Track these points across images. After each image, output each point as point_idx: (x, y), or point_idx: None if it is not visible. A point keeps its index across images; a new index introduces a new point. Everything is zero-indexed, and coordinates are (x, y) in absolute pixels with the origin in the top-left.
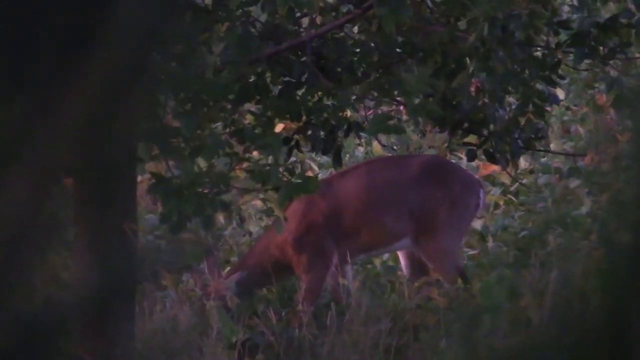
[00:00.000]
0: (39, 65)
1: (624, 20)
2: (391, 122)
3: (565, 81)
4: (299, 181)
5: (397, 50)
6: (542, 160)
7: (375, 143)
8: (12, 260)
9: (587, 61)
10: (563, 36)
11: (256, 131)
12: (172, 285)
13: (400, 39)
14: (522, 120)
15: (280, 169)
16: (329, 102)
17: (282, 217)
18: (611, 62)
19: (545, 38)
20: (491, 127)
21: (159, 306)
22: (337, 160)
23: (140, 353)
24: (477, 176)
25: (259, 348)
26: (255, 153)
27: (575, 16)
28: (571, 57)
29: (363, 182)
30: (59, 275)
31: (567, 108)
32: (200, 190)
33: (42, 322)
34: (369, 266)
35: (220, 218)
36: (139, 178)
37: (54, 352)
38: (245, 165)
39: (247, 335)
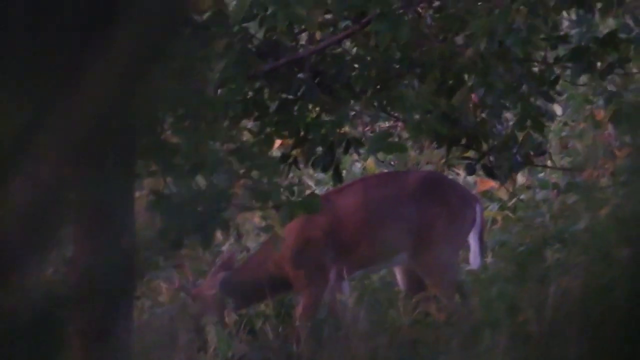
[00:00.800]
0: (38, 77)
1: (622, 36)
2: (391, 140)
3: (563, 97)
4: (301, 200)
5: (396, 65)
6: (540, 175)
7: (370, 159)
8: (12, 270)
9: (585, 76)
10: (562, 50)
11: (254, 150)
12: (169, 300)
13: (398, 55)
14: (521, 136)
15: (281, 189)
16: (326, 118)
17: (282, 235)
18: (609, 77)
19: (543, 53)
20: (489, 142)
21: (157, 321)
22: (338, 177)
23: None
24: (474, 192)
25: None
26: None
27: (573, 31)
28: (569, 72)
29: (360, 198)
30: (57, 289)
31: (565, 123)
32: (200, 208)
33: (41, 332)
34: (366, 281)
35: (218, 234)
36: (137, 193)
37: (53, 358)
38: (244, 182)
39: (244, 351)
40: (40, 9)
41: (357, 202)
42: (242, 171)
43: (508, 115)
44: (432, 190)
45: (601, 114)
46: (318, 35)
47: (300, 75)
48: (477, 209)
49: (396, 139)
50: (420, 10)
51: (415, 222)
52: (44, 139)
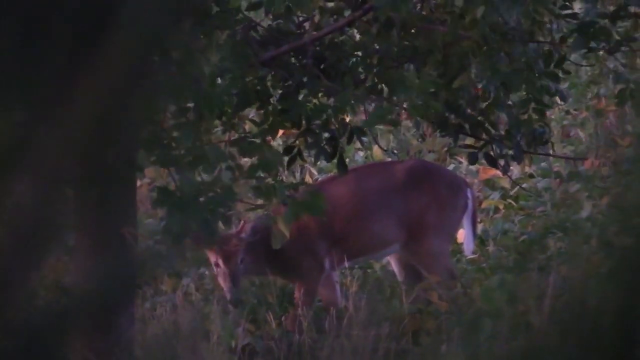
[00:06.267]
0: (41, 73)
1: (632, 10)
2: (390, 116)
3: (565, 85)
4: (305, 201)
5: (398, 52)
6: (542, 164)
7: (375, 147)
8: (14, 265)
9: (589, 59)
10: (570, 28)
11: (257, 141)
12: (172, 289)
13: (402, 42)
14: (524, 117)
15: (284, 186)
16: (328, 103)
17: (286, 233)
18: (617, 54)
19: (549, 32)
20: (492, 130)
21: (159, 310)
22: (342, 166)
23: (140, 357)
24: (467, 179)
25: (259, 353)
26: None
27: (577, 8)
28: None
29: (350, 189)
30: (60, 280)
31: (567, 112)
32: (204, 202)
33: (44, 326)
34: (369, 270)
35: (221, 224)
36: (139, 183)
37: (55, 356)
38: (247, 181)
39: (247, 340)
40: (39, 9)
41: (347, 192)
42: (245, 166)
43: (511, 102)
44: (420, 180)
45: (603, 103)
46: (317, 18)
47: (303, 62)
48: (468, 194)
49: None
50: None
51: (405, 213)
52: (44, 139)
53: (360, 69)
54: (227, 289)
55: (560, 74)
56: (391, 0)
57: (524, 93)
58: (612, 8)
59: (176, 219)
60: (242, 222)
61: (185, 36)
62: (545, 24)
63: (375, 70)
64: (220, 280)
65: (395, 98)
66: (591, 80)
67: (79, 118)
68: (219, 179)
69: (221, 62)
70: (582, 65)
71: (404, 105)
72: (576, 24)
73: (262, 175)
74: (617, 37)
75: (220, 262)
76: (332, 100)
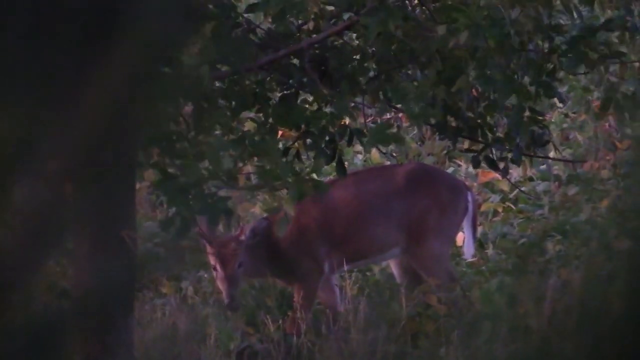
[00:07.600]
0: (45, 74)
1: (613, 34)
2: (390, 132)
3: (564, 89)
4: (309, 178)
5: (395, 55)
6: (541, 167)
7: (374, 150)
8: (14, 267)
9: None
10: (559, 40)
11: (255, 138)
12: (170, 292)
13: (398, 46)
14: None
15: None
16: (327, 110)
17: (292, 213)
18: (609, 68)
19: (540, 43)
20: (493, 133)
21: (158, 313)
22: (341, 169)
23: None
24: (466, 181)
25: (257, 355)
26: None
27: (574, 21)
28: (565, 61)
29: (351, 193)
30: (59, 282)
31: (566, 115)
32: (206, 190)
33: (42, 329)
34: (367, 273)
35: (220, 226)
36: (138, 185)
37: (55, 358)
38: (249, 165)
39: (245, 343)
40: (43, 10)
41: (347, 196)
42: (245, 155)
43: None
44: (420, 183)
45: None
46: (312, 24)
47: (302, 65)
48: (469, 197)
49: (395, 130)
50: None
51: (406, 216)
52: (46, 141)
53: (359, 73)
54: (225, 294)
55: (554, 83)
56: (378, 19)
57: (516, 102)
58: (604, 18)
59: (177, 204)
60: (241, 225)
61: (185, 37)
62: (532, 35)
63: (371, 74)
64: (219, 285)
65: (393, 104)
66: (585, 87)
67: (79, 119)
68: (220, 166)
69: (205, 53)
70: (575, 74)
71: (400, 107)
72: (566, 40)
73: (262, 162)
74: (605, 51)
75: (218, 266)
76: (329, 106)
